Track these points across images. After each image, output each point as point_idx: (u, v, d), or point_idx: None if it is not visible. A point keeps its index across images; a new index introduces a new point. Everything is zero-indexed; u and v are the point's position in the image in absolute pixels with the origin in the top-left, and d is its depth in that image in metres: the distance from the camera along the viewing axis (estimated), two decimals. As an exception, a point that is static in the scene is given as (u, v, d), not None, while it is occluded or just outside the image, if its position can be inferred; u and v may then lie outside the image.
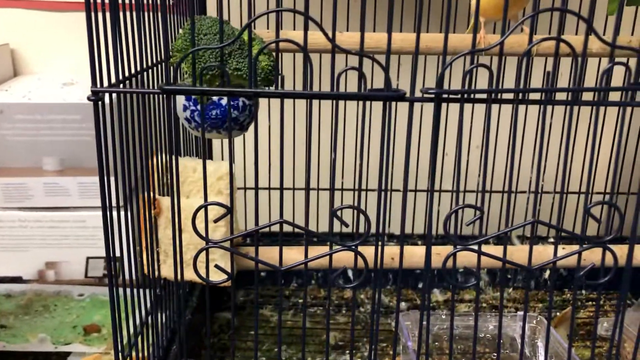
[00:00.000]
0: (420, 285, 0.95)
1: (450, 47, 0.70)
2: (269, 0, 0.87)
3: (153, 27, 0.56)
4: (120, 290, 0.52)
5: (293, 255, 0.56)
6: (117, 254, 0.50)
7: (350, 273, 0.46)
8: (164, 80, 0.56)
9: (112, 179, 0.48)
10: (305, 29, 0.39)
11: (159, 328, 0.61)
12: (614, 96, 0.45)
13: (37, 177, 0.77)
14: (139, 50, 0.51)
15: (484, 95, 0.41)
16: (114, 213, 0.49)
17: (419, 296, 0.92)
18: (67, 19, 0.94)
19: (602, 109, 0.43)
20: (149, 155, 0.54)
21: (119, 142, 0.49)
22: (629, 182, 0.93)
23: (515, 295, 0.95)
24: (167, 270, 0.59)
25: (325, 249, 0.45)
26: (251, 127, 0.58)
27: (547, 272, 0.94)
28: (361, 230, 0.43)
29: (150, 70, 0.56)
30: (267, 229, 0.44)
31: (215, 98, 0.54)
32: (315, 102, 0.60)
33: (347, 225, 0.43)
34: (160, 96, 0.56)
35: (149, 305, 0.59)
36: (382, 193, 0.43)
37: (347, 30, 0.84)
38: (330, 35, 0.38)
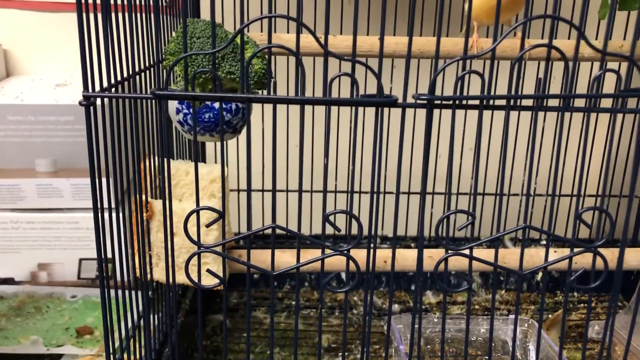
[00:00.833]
0: (413, 287, 0.95)
1: (443, 51, 0.70)
2: (262, 2, 0.87)
3: (146, 29, 0.56)
4: (113, 292, 0.52)
5: (286, 258, 0.57)
6: (110, 256, 0.50)
7: (343, 275, 0.46)
8: (157, 84, 0.56)
9: (105, 181, 0.48)
10: (298, 35, 0.39)
11: (151, 331, 0.61)
12: (606, 102, 0.46)
13: (30, 179, 0.77)
14: (131, 53, 0.51)
15: (477, 101, 0.42)
16: (106, 215, 0.49)
17: (412, 298, 0.93)
18: (60, 20, 0.94)
19: (593, 114, 0.43)
20: (141, 158, 0.54)
21: (111, 144, 0.49)
22: (621, 184, 0.93)
23: (507, 297, 0.95)
24: (159, 273, 0.59)
25: (318, 252, 0.45)
26: (244, 130, 0.58)
27: (540, 274, 0.95)
28: (354, 232, 0.43)
29: (142, 74, 0.55)
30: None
31: (208, 101, 0.54)
32: (308, 106, 0.60)
33: (339, 230, 0.43)
34: (153, 100, 0.56)
35: (141, 307, 0.59)
36: (375, 196, 0.43)
37: (341, 33, 0.84)
38: (322, 41, 0.38)
